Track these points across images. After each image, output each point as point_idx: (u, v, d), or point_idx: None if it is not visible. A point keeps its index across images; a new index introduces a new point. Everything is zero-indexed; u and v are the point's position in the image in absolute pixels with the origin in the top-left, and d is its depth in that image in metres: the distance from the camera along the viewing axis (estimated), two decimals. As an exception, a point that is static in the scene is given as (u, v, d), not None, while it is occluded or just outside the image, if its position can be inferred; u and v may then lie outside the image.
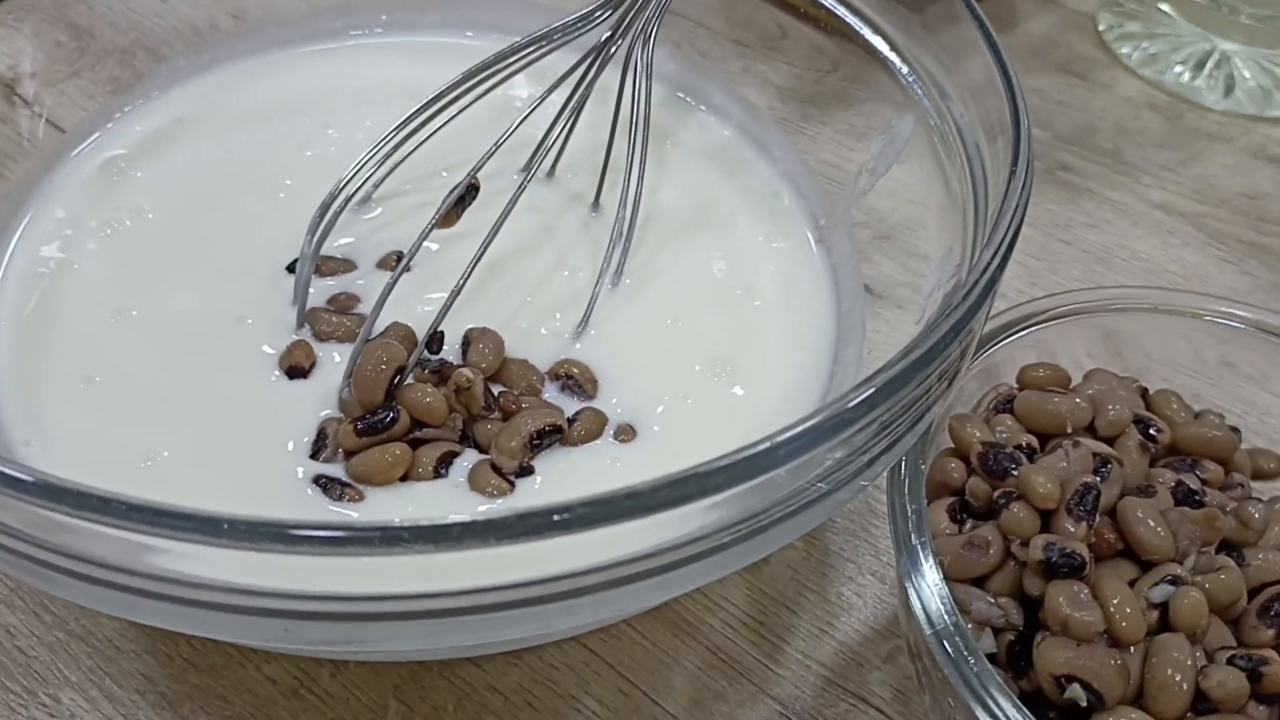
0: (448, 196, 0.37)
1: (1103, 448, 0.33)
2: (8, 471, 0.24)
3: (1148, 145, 0.57)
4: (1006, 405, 0.35)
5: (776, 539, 0.28)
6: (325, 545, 0.24)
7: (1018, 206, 0.31)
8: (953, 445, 0.35)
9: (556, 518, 0.24)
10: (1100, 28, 0.62)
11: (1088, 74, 0.60)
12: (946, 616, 0.30)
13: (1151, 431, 0.34)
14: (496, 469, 0.34)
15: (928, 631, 0.30)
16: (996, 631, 0.32)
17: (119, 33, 0.51)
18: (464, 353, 0.37)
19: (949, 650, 0.30)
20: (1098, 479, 0.31)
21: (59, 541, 0.25)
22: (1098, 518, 0.31)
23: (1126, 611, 0.29)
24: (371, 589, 0.26)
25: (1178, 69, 0.60)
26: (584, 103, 0.41)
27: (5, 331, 0.37)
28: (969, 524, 0.33)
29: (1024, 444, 0.33)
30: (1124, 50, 0.61)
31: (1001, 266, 0.30)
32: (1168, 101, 0.59)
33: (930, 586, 0.30)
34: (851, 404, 0.26)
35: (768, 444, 0.26)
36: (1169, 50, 0.60)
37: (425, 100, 0.39)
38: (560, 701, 0.36)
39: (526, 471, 0.35)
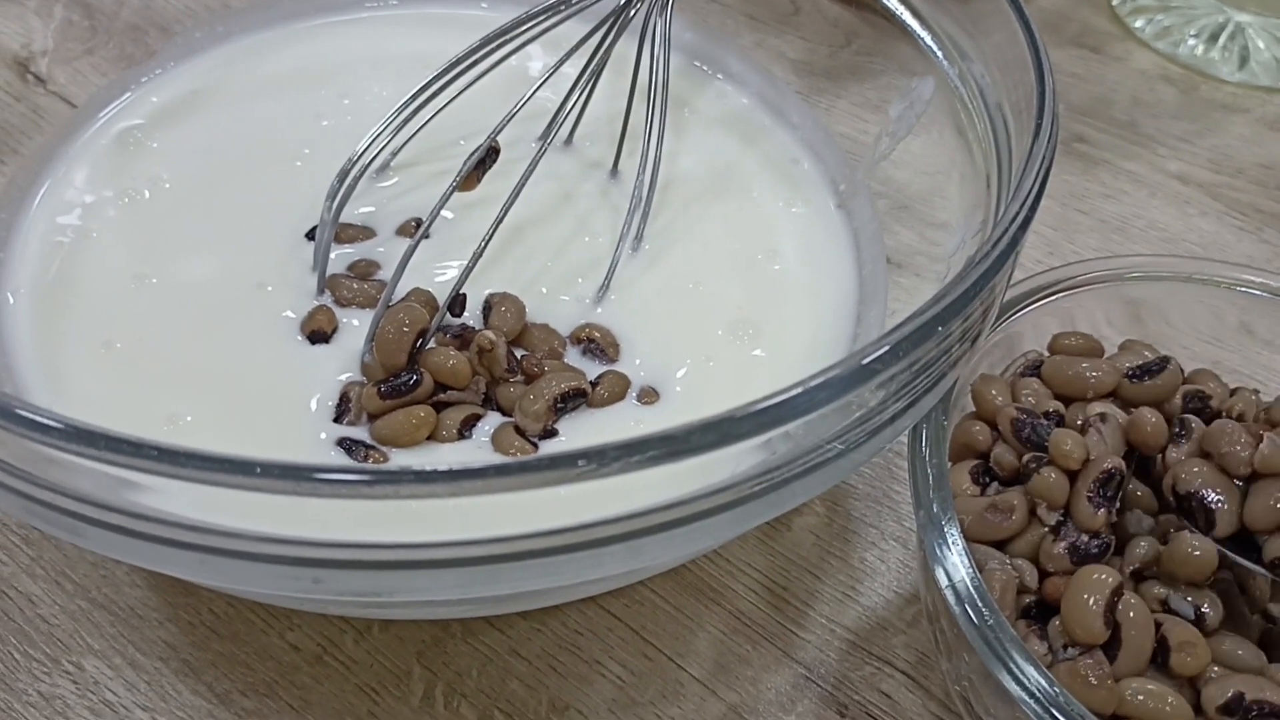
0: (468, 159, 0.37)
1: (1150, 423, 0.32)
2: (36, 417, 0.24)
3: (1163, 117, 0.57)
4: (1034, 370, 0.35)
5: (796, 495, 0.28)
6: (357, 487, 0.23)
7: (1043, 160, 0.31)
8: (975, 410, 0.35)
9: (583, 462, 0.24)
10: (1113, 1, 0.62)
11: (1101, 47, 0.60)
12: (966, 574, 0.30)
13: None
14: (520, 431, 0.34)
15: (945, 588, 0.30)
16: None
17: (131, 10, 0.51)
18: (485, 317, 0.37)
19: (968, 610, 0.29)
20: (1123, 464, 0.31)
21: (86, 491, 0.25)
22: (1117, 504, 0.31)
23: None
24: (402, 538, 0.26)
25: (1191, 41, 0.60)
26: (601, 70, 0.41)
27: (25, 298, 0.37)
28: (992, 487, 0.33)
29: (1051, 410, 0.33)
30: (1137, 24, 0.61)
31: (1027, 221, 0.30)
32: (1182, 74, 0.59)
33: (950, 544, 0.30)
34: (872, 356, 0.26)
35: (793, 392, 0.26)
36: (1182, 23, 0.60)
37: (441, 68, 0.39)
38: (584, 666, 0.36)
39: (550, 434, 0.34)
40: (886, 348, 0.26)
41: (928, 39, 0.41)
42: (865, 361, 0.26)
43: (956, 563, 0.29)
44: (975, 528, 0.31)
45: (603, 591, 0.37)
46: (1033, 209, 0.30)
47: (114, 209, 0.40)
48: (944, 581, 0.29)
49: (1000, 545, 0.31)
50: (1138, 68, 0.59)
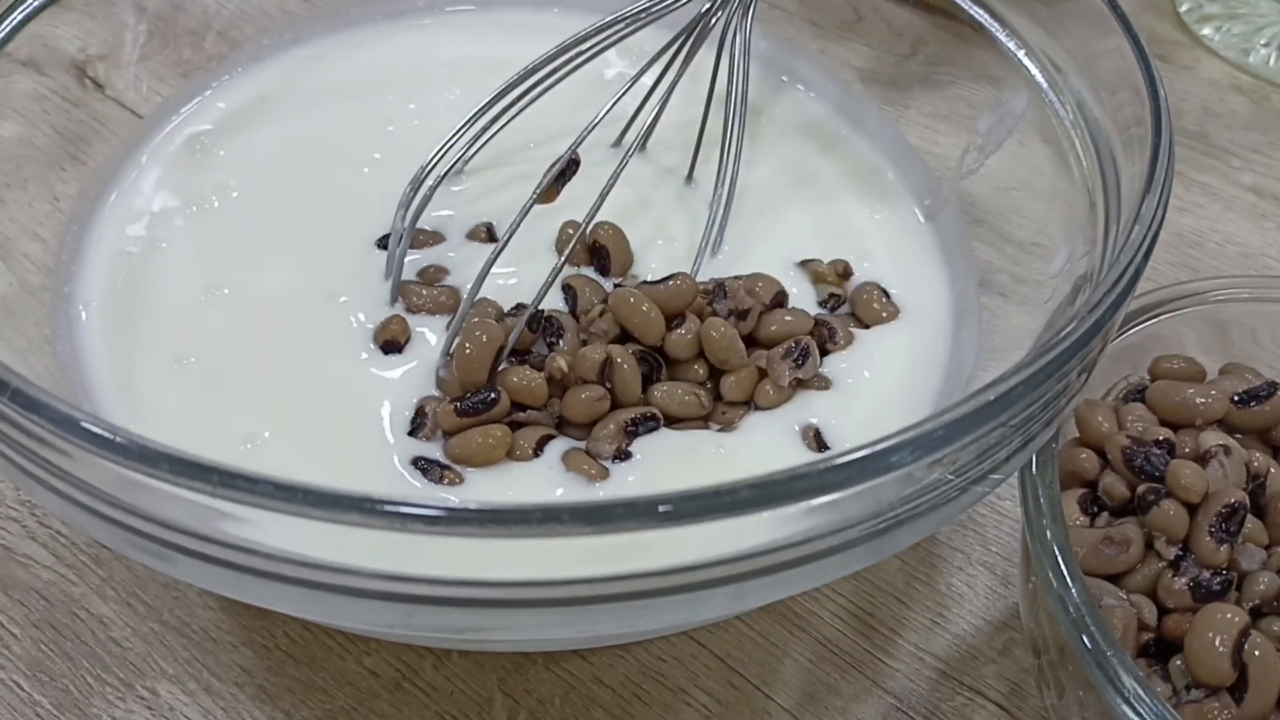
0: (549, 170, 0.36)
1: (1258, 457, 0.31)
2: (139, 445, 0.23)
3: (1235, 128, 0.55)
4: (1137, 395, 0.34)
5: (908, 536, 0.27)
6: (481, 525, 0.22)
7: (1164, 182, 0.30)
8: (1080, 435, 0.34)
9: (727, 498, 0.23)
10: (1181, 9, 0.61)
11: (1169, 56, 0.59)
12: (1085, 609, 0.28)
13: None
14: (591, 454, 0.33)
15: (1064, 623, 0.28)
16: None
17: (187, 15, 0.50)
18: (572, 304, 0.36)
19: (1086, 643, 0.28)
20: (1246, 497, 0.30)
21: (180, 520, 0.25)
22: (1240, 538, 0.30)
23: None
24: (499, 574, 0.25)
25: (1263, 50, 0.58)
26: (679, 78, 0.40)
27: (97, 313, 0.37)
28: (1101, 517, 0.32)
29: (1161, 438, 0.32)
30: (1205, 32, 0.60)
31: (1150, 248, 0.29)
32: (1253, 84, 0.58)
33: (1069, 578, 0.29)
34: (997, 394, 0.25)
35: (911, 434, 0.24)
36: (1252, 31, 0.59)
37: (518, 74, 0.38)
38: (669, 695, 0.35)
39: (624, 456, 0.33)
40: (1015, 383, 0.25)
41: (1015, 48, 0.40)
42: (995, 398, 0.25)
43: (1076, 597, 0.28)
44: (1089, 560, 0.30)
45: (693, 626, 0.36)
46: (1156, 234, 0.29)
47: (182, 218, 0.40)
48: (1061, 616, 0.28)
49: (1114, 579, 0.30)
50: (1207, 77, 0.58)
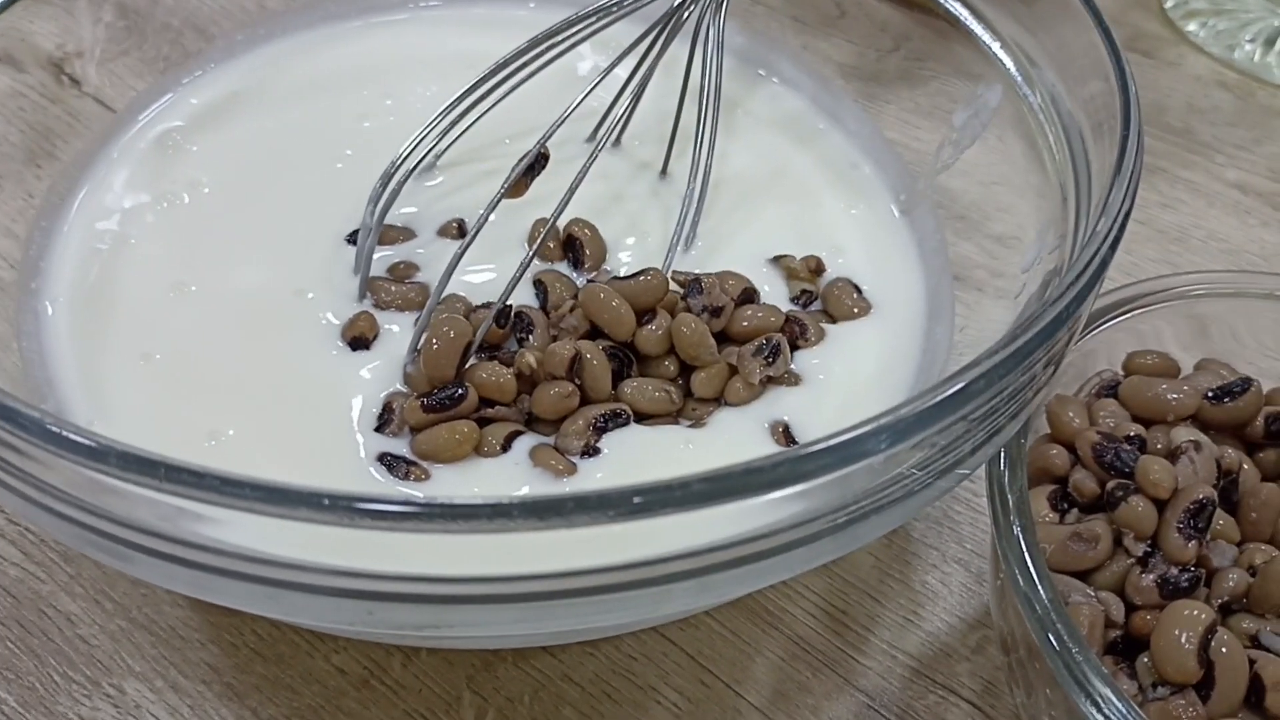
0: (517, 165, 0.36)
1: (1230, 453, 0.31)
2: (89, 442, 0.23)
3: (1220, 124, 0.55)
4: (1110, 391, 0.34)
5: (873, 529, 0.27)
6: (427, 520, 0.22)
7: (1132, 174, 0.29)
8: (1050, 432, 0.34)
9: (678, 493, 0.22)
10: (1166, 5, 0.61)
11: (1154, 52, 0.59)
12: (1051, 606, 0.28)
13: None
14: (559, 450, 0.33)
15: (1030, 621, 0.28)
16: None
17: (167, 12, 0.50)
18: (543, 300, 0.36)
19: (1054, 644, 0.28)
20: (1215, 493, 0.30)
21: (138, 518, 0.24)
22: (1210, 535, 0.30)
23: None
24: (459, 570, 0.25)
25: (1248, 46, 0.58)
26: (652, 72, 0.40)
27: (63, 309, 0.36)
28: (1071, 513, 0.32)
29: (1132, 434, 0.32)
30: (1190, 27, 0.59)
31: (1117, 239, 0.29)
32: (1238, 79, 0.57)
33: (1036, 576, 0.29)
34: (959, 386, 0.25)
35: (872, 426, 0.24)
36: (1237, 27, 0.59)
37: (491, 67, 0.38)
38: (640, 693, 0.35)
39: (593, 452, 0.33)
40: (977, 375, 0.25)
41: (990, 42, 0.40)
42: (957, 390, 0.24)
43: (1043, 595, 0.28)
44: (1057, 557, 0.30)
45: (665, 621, 0.35)
46: (1123, 226, 0.29)
47: (152, 214, 0.39)
48: (1028, 614, 0.28)
49: (1083, 576, 0.30)
50: (1192, 73, 0.58)
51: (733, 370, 0.35)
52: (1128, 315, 0.36)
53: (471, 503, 0.22)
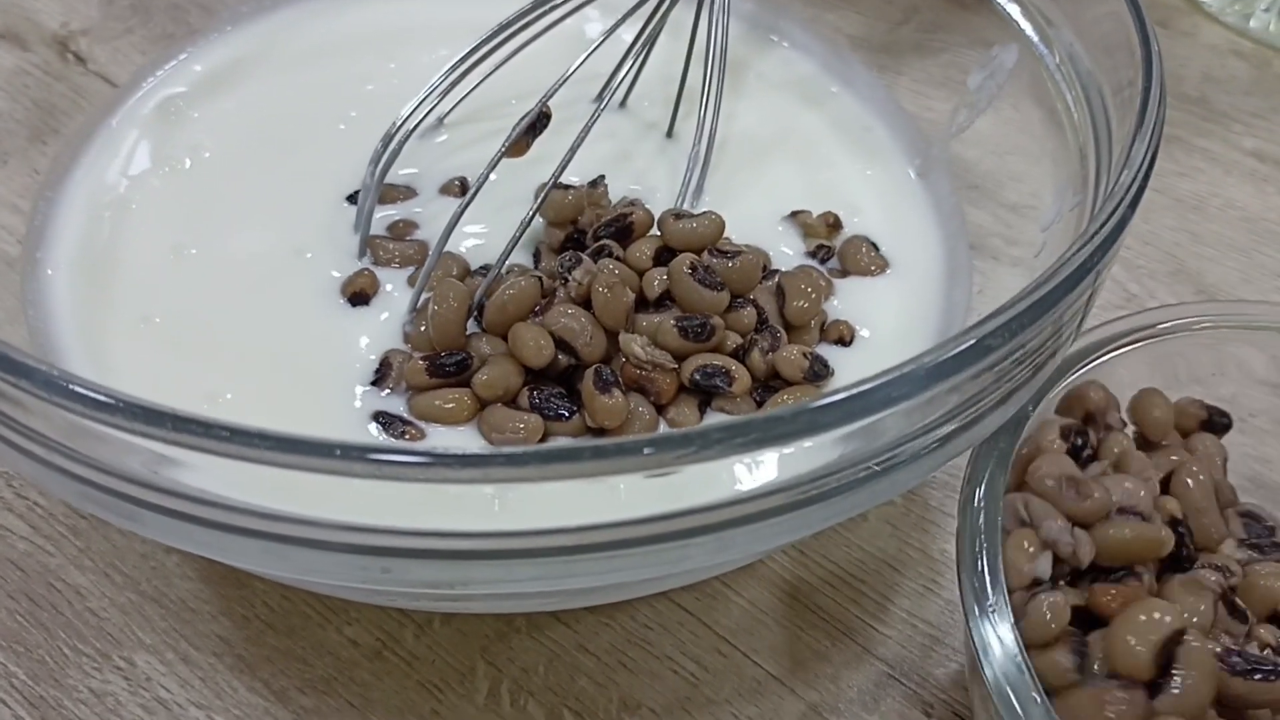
0: (518, 124, 0.35)
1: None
2: (99, 396, 0.22)
3: (1236, 93, 0.54)
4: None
5: (895, 485, 0.26)
6: (443, 470, 0.22)
7: (1154, 129, 0.29)
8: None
9: (696, 442, 0.22)
10: (1180, -26, 0.60)
11: (1168, 21, 0.58)
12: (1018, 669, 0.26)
13: None
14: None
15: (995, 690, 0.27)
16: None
17: (171, -12, 0.50)
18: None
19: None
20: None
21: (143, 474, 0.24)
22: None
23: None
24: (476, 526, 0.24)
25: (1263, 15, 0.57)
26: (658, 34, 0.39)
27: (65, 273, 0.36)
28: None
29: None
30: (1205, -3, 0.59)
31: (1139, 195, 0.28)
32: (1253, 49, 0.57)
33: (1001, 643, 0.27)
34: (991, 330, 0.25)
35: (907, 369, 0.24)
36: (1252, -4, 0.58)
37: (495, 27, 0.38)
38: (656, 663, 0.34)
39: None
40: (1002, 322, 0.24)
41: (1007, 4, 0.39)
42: (981, 337, 0.24)
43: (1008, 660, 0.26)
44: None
45: (676, 585, 0.35)
46: (1144, 182, 0.28)
47: (155, 179, 0.39)
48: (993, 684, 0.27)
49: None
50: (1207, 43, 0.57)
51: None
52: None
53: (487, 452, 0.22)
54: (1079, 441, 0.31)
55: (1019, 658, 0.26)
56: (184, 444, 0.22)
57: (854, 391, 0.23)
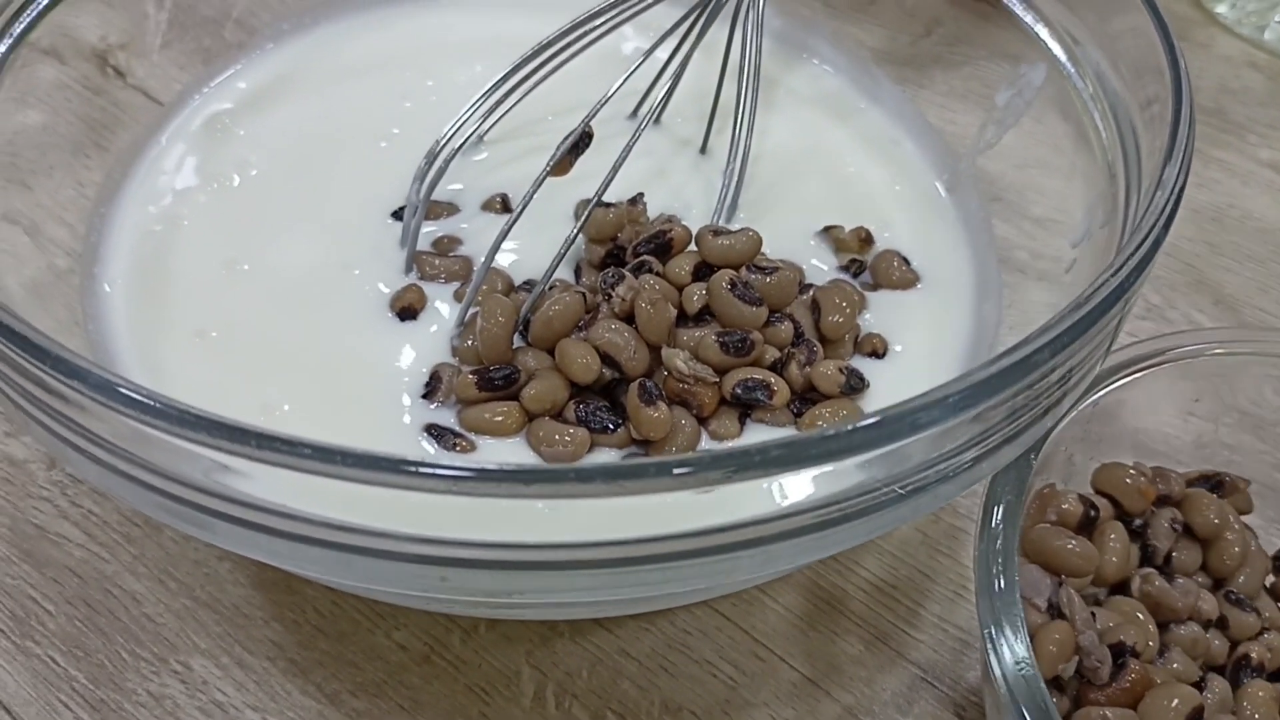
0: (561, 144, 0.36)
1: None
2: (180, 410, 0.23)
3: (1252, 104, 0.55)
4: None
5: (935, 500, 0.27)
6: (516, 485, 0.23)
7: (1186, 148, 0.30)
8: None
9: (756, 458, 0.23)
10: (1195, -14, 0.61)
11: (1184, 34, 0.59)
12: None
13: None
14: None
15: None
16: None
17: (207, 4, 0.51)
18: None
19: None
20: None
21: (217, 486, 0.25)
22: None
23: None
24: (533, 538, 0.25)
25: (1278, 26, 0.58)
26: (693, 52, 0.40)
27: (121, 290, 0.37)
28: None
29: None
30: (1220, 9, 0.59)
31: (1172, 215, 0.29)
32: (1268, 60, 0.58)
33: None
34: (1031, 350, 0.25)
35: (941, 394, 0.25)
36: (1267, 8, 0.59)
37: (534, 48, 0.39)
38: (695, 667, 0.35)
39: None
40: (1048, 339, 0.25)
41: (1033, 22, 0.40)
42: (1029, 353, 0.25)
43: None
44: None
45: (720, 595, 0.36)
46: (1176, 204, 0.29)
47: (204, 196, 0.40)
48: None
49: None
50: (1223, 54, 0.58)
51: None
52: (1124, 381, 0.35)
53: (549, 469, 0.23)
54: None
55: (1032, 674, 0.28)
56: (267, 460, 0.23)
57: (897, 411, 0.24)
